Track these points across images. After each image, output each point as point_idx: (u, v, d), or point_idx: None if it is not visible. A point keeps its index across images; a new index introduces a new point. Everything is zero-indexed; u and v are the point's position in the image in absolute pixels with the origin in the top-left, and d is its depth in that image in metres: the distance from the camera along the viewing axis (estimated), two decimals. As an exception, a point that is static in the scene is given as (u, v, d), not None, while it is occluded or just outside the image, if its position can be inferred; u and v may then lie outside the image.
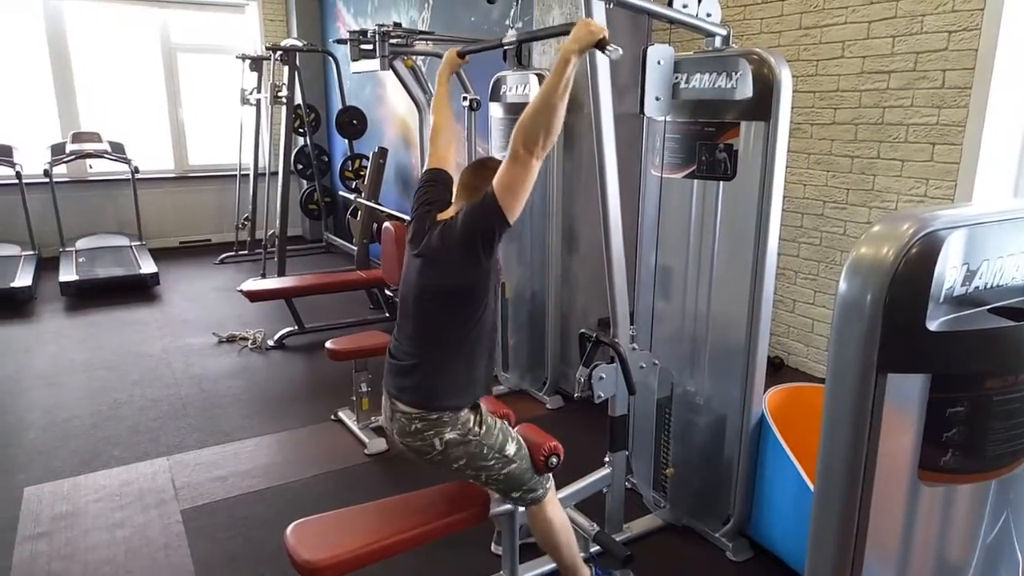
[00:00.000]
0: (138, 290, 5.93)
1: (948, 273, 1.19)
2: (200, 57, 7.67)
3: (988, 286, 1.26)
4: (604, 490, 2.52)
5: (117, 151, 6.82)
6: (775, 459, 2.35)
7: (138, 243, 6.91)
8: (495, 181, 1.89)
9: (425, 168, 2.27)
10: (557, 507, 2.17)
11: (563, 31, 2.11)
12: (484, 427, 2.00)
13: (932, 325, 1.16)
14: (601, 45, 1.88)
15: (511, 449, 2.03)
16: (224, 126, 7.64)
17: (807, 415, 2.48)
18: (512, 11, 3.68)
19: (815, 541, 1.31)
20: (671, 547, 2.60)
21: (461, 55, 2.50)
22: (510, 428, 2.10)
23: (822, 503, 1.27)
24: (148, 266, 6.20)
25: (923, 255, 1.15)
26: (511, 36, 2.62)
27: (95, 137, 6.73)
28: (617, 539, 2.50)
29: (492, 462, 2.01)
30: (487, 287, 1.97)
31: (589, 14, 2.12)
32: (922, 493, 1.24)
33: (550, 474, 2.14)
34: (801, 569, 1.38)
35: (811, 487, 1.60)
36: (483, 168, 2.05)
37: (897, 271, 1.15)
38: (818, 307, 3.42)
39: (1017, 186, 2.75)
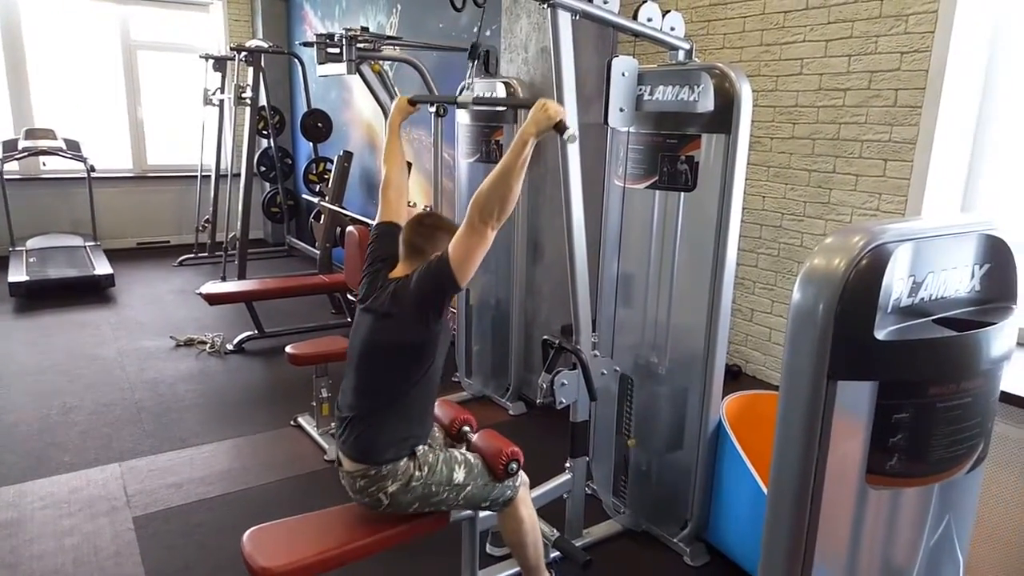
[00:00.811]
0: (92, 292, 5.77)
1: (895, 284, 1.24)
2: (161, 55, 7.52)
3: (933, 297, 1.31)
4: (565, 496, 2.54)
5: (72, 149, 6.63)
6: (732, 465, 2.39)
7: (92, 243, 6.72)
8: (451, 248, 1.91)
9: (376, 221, 2.26)
10: (529, 507, 2.19)
11: (523, 104, 2.19)
12: (426, 467, 2.00)
13: (880, 334, 1.21)
14: (559, 128, 1.94)
15: (459, 476, 2.04)
16: (185, 126, 7.49)
17: (764, 422, 2.54)
18: (477, 27, 3.67)
19: (768, 544, 1.34)
20: (630, 552, 2.62)
21: (412, 103, 2.51)
22: (455, 453, 2.09)
23: (775, 506, 1.31)
24: (103, 267, 6.04)
25: (872, 267, 1.20)
26: (467, 97, 2.69)
27: (49, 134, 6.54)
28: (577, 544, 2.52)
29: (444, 495, 2.03)
30: (436, 346, 1.99)
31: (556, 26, 2.15)
32: (869, 496, 1.28)
33: (520, 474, 2.16)
34: (756, 573, 1.41)
35: (767, 492, 1.65)
36: (422, 226, 2.05)
37: (848, 282, 1.19)
38: (776, 316, 3.49)
39: (964, 202, 2.86)
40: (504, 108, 3.48)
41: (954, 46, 2.64)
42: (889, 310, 1.23)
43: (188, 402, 3.82)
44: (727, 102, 2.24)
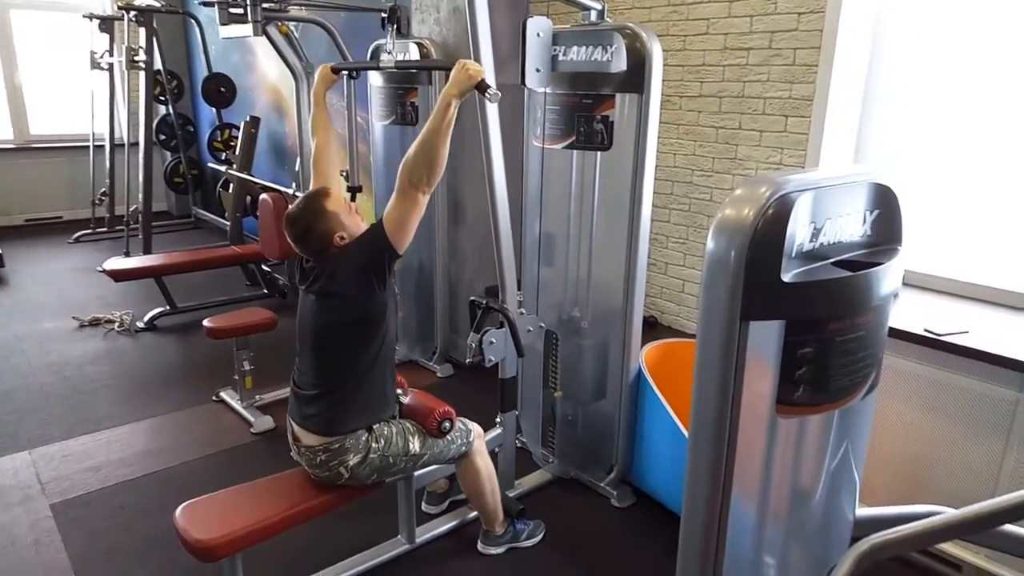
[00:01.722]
0: (-22, 274, 5.37)
1: (799, 231, 1.34)
2: (38, 14, 6.92)
3: (831, 242, 1.42)
4: (496, 449, 2.61)
5: (-58, 119, 6.07)
6: (653, 410, 2.52)
7: (-26, 222, 6.22)
8: (386, 216, 1.93)
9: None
10: (484, 456, 2.28)
11: (443, 67, 2.19)
12: (382, 440, 2.04)
13: (786, 277, 1.30)
14: (481, 87, 1.95)
15: (415, 446, 2.09)
16: (72, 92, 6.96)
17: (680, 368, 2.68)
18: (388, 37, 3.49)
19: (691, 477, 1.44)
20: (560, 498, 2.74)
21: (335, 71, 2.46)
22: (407, 424, 2.13)
23: (696, 441, 1.40)
24: (-11, 247, 5.61)
25: (778, 215, 1.29)
26: (388, 60, 2.69)
27: (-86, 102, 5.95)
28: (510, 495, 2.61)
29: (402, 465, 2.08)
30: (384, 314, 2.00)
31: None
32: (779, 426, 1.40)
33: (472, 427, 2.24)
34: (678, 510, 1.52)
35: (685, 433, 1.76)
36: (302, 231, 1.97)
37: (757, 230, 1.27)
38: (688, 268, 3.66)
39: (856, 153, 3.06)
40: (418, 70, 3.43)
41: (846, 6, 2.79)
42: (794, 255, 1.33)
43: (99, 383, 3.65)
44: (639, 62, 2.30)
